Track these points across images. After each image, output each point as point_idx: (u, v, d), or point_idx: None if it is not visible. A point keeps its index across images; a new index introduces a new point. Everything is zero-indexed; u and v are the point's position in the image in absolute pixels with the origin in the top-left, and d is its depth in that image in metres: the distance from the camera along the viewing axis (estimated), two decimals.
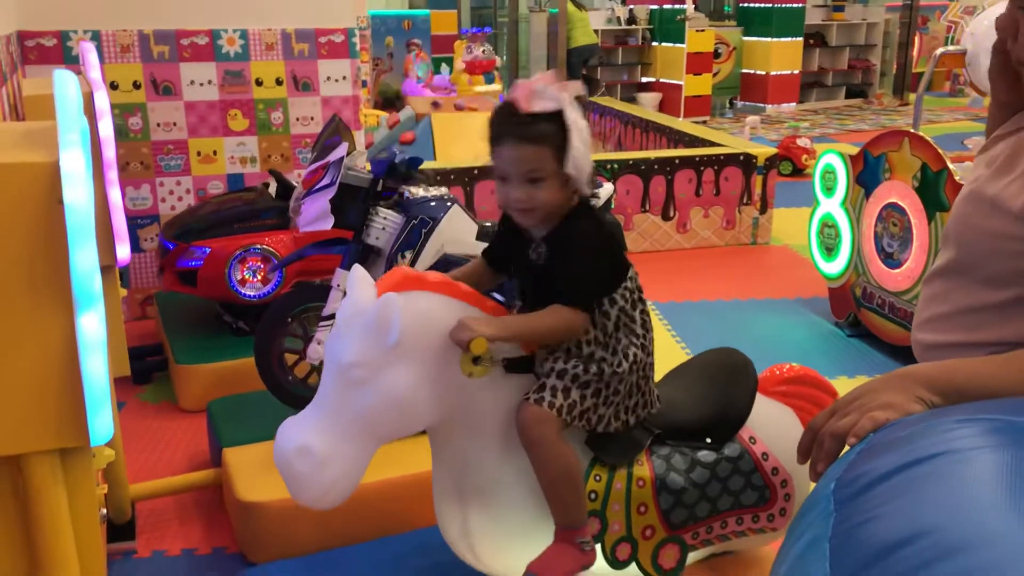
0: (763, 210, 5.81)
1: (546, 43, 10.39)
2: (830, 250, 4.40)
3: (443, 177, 4.97)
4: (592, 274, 1.72)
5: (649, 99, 11.63)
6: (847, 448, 1.01)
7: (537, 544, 1.75)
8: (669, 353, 3.93)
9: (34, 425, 1.27)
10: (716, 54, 11.84)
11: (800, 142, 7.91)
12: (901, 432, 0.93)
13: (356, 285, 1.64)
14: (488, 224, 2.80)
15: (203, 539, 2.67)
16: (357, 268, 1.67)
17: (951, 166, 3.61)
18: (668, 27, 11.75)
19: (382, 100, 8.89)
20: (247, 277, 3.55)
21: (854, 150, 4.23)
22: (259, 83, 4.26)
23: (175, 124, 4.18)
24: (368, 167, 2.86)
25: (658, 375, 1.95)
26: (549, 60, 10.11)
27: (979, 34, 5.00)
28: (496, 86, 8.05)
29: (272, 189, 3.76)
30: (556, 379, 1.72)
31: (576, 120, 1.65)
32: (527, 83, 1.67)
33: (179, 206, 4.23)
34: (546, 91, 1.64)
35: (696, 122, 9.62)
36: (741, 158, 5.73)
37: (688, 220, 5.72)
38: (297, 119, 4.35)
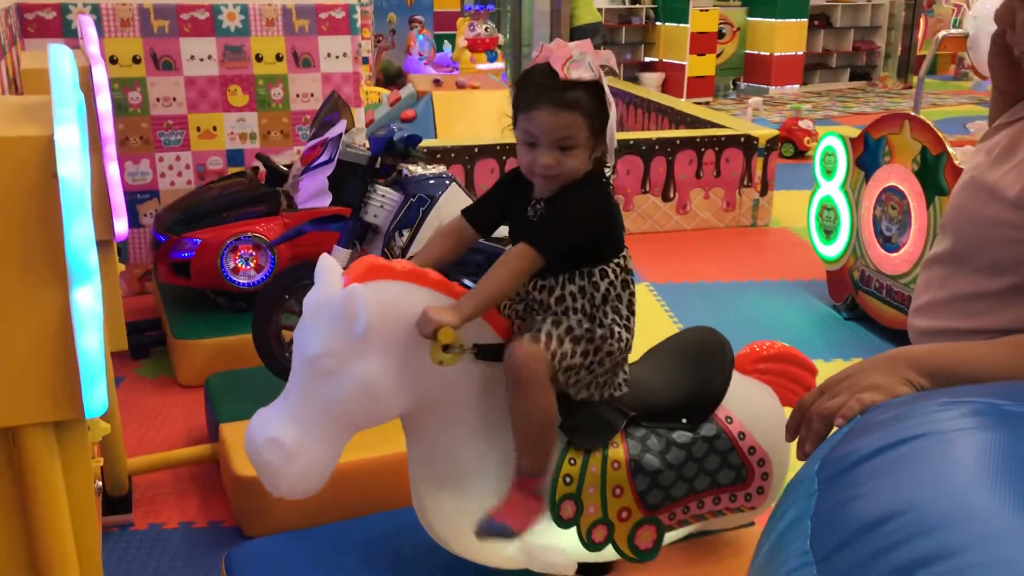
0: (763, 192, 5.80)
1: (549, 21, 10.34)
2: (829, 233, 4.39)
3: (443, 155, 4.96)
4: (569, 226, 1.69)
5: (652, 79, 11.58)
6: (835, 428, 1.02)
7: None
8: (666, 334, 3.92)
9: (29, 398, 1.27)
10: (720, 34, 11.79)
11: (802, 124, 7.89)
12: (886, 413, 0.94)
13: (323, 275, 1.61)
14: None
15: (200, 513, 2.69)
16: (325, 257, 1.64)
17: (951, 150, 3.60)
18: (672, 7, 11.69)
19: (383, 77, 8.85)
20: (240, 265, 3.54)
21: (856, 133, 4.21)
22: (259, 59, 4.24)
23: (175, 99, 4.17)
24: (367, 144, 2.86)
25: None
26: (552, 38, 9.95)
27: (981, 17, 4.97)
28: (498, 64, 8.02)
29: (261, 174, 3.75)
30: (551, 327, 1.71)
31: (608, 92, 1.66)
32: (563, 47, 1.65)
33: (178, 181, 4.23)
34: (585, 59, 1.64)
35: (699, 103, 9.60)
36: (742, 140, 5.72)
37: (688, 201, 5.71)
38: (297, 95, 4.34)
